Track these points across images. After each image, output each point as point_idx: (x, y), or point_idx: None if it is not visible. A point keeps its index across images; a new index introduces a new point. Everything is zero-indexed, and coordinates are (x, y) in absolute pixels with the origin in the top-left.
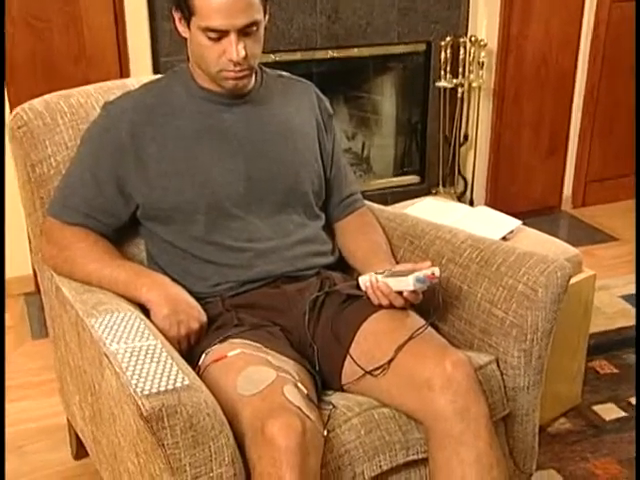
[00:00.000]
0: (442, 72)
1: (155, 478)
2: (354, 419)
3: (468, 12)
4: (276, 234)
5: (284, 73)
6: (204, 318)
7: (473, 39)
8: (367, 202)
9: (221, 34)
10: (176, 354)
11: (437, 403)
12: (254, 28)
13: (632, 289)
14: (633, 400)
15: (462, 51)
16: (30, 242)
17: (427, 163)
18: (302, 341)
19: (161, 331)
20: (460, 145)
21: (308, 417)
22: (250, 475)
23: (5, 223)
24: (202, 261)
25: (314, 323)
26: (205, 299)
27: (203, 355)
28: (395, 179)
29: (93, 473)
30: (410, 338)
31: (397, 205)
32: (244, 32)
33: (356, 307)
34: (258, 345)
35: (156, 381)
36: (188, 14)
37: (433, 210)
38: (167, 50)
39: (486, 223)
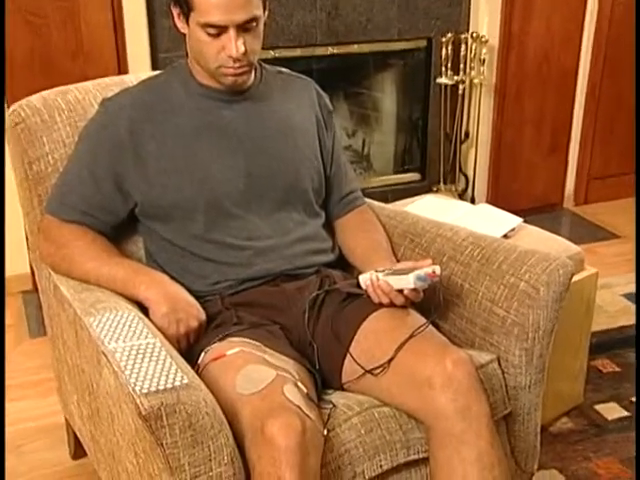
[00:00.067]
0: (443, 69)
1: (154, 478)
2: (354, 418)
3: (469, 8)
4: (276, 232)
5: (284, 69)
6: (203, 316)
7: (474, 35)
8: (367, 200)
9: (220, 30)
10: (175, 353)
11: (438, 402)
12: (253, 24)
13: (634, 287)
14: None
15: (463, 47)
16: (28, 240)
17: (428, 160)
18: (302, 340)
19: (160, 329)
20: (461, 142)
21: (308, 416)
22: (249, 475)
23: (5, 222)
24: (201, 259)
25: (314, 322)
26: (204, 297)
27: (202, 354)
28: (395, 176)
29: (91, 473)
30: (411, 337)
31: (398, 203)
32: (243, 28)
33: (356, 306)
34: (257, 344)
35: (155, 380)
36: (187, 10)
37: (434, 208)
38: (166, 46)
39: (487, 221)
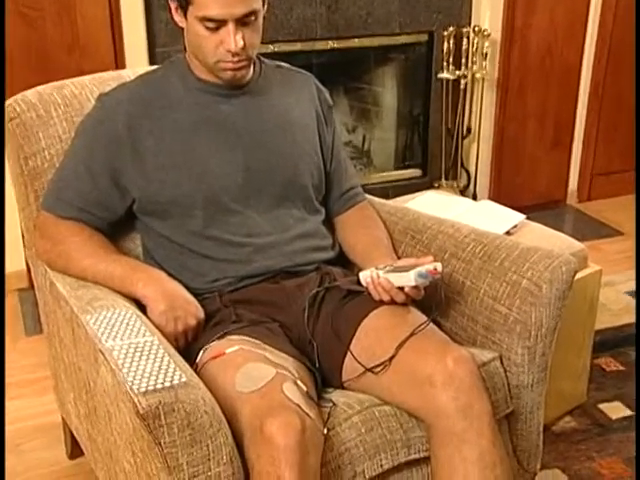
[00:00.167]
0: (445, 63)
1: (152, 477)
2: (354, 417)
3: (471, 1)
4: (275, 229)
5: (283, 64)
6: (201, 314)
7: (476, 29)
8: (368, 196)
9: (219, 24)
10: (173, 351)
11: (439, 400)
12: (252, 18)
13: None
14: None
15: (465, 42)
16: (24, 237)
17: (429, 156)
18: (302, 338)
19: (158, 327)
20: (463, 138)
21: (308, 415)
22: (249, 474)
23: (5, 221)
24: (200, 256)
25: (314, 319)
26: (202, 295)
27: (201, 352)
28: (396, 172)
29: (88, 472)
30: (411, 334)
31: (398, 199)
32: (242, 22)
33: (357, 303)
34: (257, 342)
35: (153, 378)
36: (185, 3)
37: (435, 204)
38: (163, 40)
39: (489, 217)
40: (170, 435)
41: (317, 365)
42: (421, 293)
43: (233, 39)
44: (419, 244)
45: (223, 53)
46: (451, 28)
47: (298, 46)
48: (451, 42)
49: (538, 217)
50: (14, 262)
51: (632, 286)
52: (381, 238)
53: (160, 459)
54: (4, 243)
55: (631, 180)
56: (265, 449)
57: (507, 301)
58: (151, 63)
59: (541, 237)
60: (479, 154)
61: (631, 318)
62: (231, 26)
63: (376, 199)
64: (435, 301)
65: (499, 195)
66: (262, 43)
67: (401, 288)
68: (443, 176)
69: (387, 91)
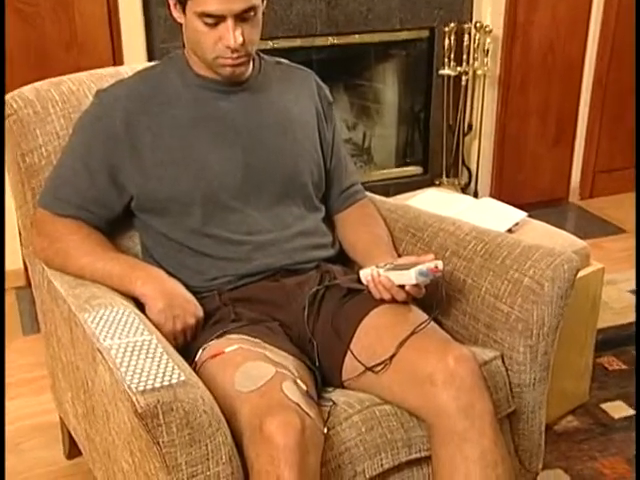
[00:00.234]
0: (446, 59)
1: (150, 477)
2: (355, 416)
3: None
4: (275, 226)
5: (283, 60)
6: (201, 313)
7: (478, 25)
8: (368, 193)
9: (218, 19)
10: (172, 349)
11: (440, 399)
12: (252, 13)
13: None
14: None
15: (466, 38)
16: (21, 235)
17: (430, 153)
18: (301, 336)
19: (156, 326)
20: (464, 135)
21: (307, 414)
22: (248, 473)
23: (5, 219)
24: (199, 254)
25: (314, 318)
26: (201, 293)
27: (200, 351)
28: (397, 170)
29: (86, 472)
30: (412, 333)
31: (399, 197)
32: (241, 17)
33: (357, 301)
34: (256, 340)
35: (151, 377)
36: None
37: (436, 202)
38: (162, 36)
39: (491, 215)
40: (169, 434)
41: (317, 364)
42: (422, 291)
43: (232, 35)
44: (420, 242)
45: (222, 49)
46: (452, 24)
47: (298, 42)
48: (452, 38)
49: (540, 215)
50: (11, 260)
51: (634, 284)
52: (381, 236)
53: (158, 458)
54: (4, 242)
55: (634, 177)
56: (264, 448)
57: (509, 299)
58: (149, 59)
59: (543, 235)
60: (480, 151)
61: (633, 317)
62: (230, 22)
63: (377, 197)
64: (436, 299)
65: (501, 192)
66: (261, 39)
67: (402, 286)
68: (444, 173)
69: (388, 88)
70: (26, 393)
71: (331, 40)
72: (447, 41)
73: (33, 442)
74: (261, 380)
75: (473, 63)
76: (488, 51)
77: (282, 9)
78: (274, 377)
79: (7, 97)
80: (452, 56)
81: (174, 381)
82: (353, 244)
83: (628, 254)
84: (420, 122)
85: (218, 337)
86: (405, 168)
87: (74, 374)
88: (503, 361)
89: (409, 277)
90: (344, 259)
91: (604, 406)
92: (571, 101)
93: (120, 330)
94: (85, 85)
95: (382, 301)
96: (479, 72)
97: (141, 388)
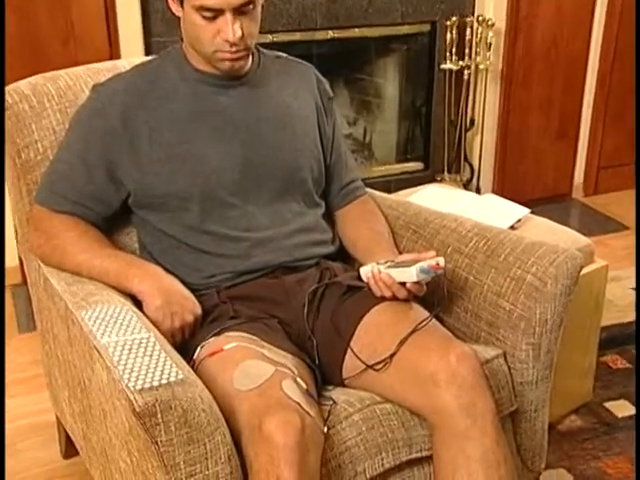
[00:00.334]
0: (447, 54)
1: (148, 477)
2: (355, 415)
3: None
4: (274, 223)
5: (282, 54)
6: (199, 310)
7: (480, 19)
8: (369, 190)
9: (216, 13)
10: (170, 347)
11: (442, 398)
12: (250, 6)
13: None
14: None
15: (468, 31)
16: (16, 232)
17: (431, 149)
18: (301, 334)
19: (154, 323)
20: (466, 130)
21: (307, 413)
22: (247, 473)
23: (5, 218)
24: (197, 251)
25: (314, 315)
26: (200, 291)
27: (198, 349)
28: (398, 166)
29: (83, 472)
30: (413, 331)
31: (400, 193)
32: (240, 11)
33: (357, 299)
34: (255, 338)
35: (149, 375)
36: None
37: (438, 198)
38: (159, 30)
39: (493, 211)
40: (167, 433)
41: (317, 362)
42: (423, 289)
43: (231, 28)
44: (421, 239)
45: (221, 43)
46: (454, 18)
47: (297, 36)
48: (454, 32)
49: (543, 211)
50: (7, 257)
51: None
52: (382, 233)
53: (156, 458)
54: (4, 240)
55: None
56: (264, 448)
57: (511, 297)
58: (147, 53)
59: (546, 232)
60: (483, 147)
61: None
62: (229, 15)
63: (377, 193)
64: (437, 297)
65: (503, 189)
66: (260, 33)
67: (403, 284)
68: (446, 169)
69: (389, 82)
70: (22, 392)
71: (331, 34)
72: (449, 35)
73: (29, 442)
74: (260, 378)
75: (475, 57)
76: (490, 45)
77: (281, 2)
78: (273, 375)
79: None
80: (454, 50)
81: (172, 379)
82: (353, 241)
83: (632, 251)
84: (421, 117)
85: (216, 335)
86: (406, 164)
87: (71, 372)
88: (505, 359)
89: (410, 274)
90: (344, 256)
91: (608, 405)
92: (574, 96)
93: (117, 328)
94: (82, 79)
95: (383, 299)
96: (481, 66)
97: (139, 387)
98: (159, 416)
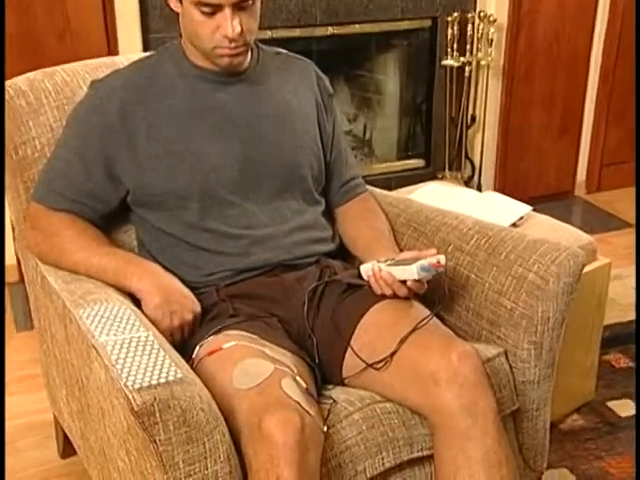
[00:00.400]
0: (449, 50)
1: (146, 476)
2: (355, 414)
3: None
4: (273, 220)
5: (282, 50)
6: (198, 309)
7: (482, 14)
8: (369, 187)
9: (215, 9)
10: (168, 346)
11: (443, 398)
12: (250, 2)
13: None
14: None
15: (470, 27)
16: (13, 230)
17: (432, 146)
18: (301, 333)
19: (153, 322)
20: (467, 127)
21: (307, 412)
22: (246, 472)
23: (5, 215)
24: (196, 249)
25: (313, 314)
26: (199, 289)
27: (197, 347)
28: (399, 163)
29: (81, 472)
30: (414, 329)
31: (401, 190)
32: (239, 6)
33: (357, 297)
34: (255, 337)
35: (147, 374)
36: None
37: (439, 195)
38: (158, 26)
39: (495, 209)
40: (165, 432)
41: (317, 361)
42: (424, 287)
43: (230, 24)
44: (422, 236)
45: (220, 39)
46: (455, 13)
47: (297, 32)
48: (455, 28)
49: (545, 209)
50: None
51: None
52: (383, 230)
53: (155, 457)
54: (4, 239)
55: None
56: (263, 447)
57: (513, 295)
58: (145, 49)
59: (548, 229)
60: (484, 144)
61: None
62: (228, 11)
63: (378, 190)
64: (438, 295)
65: (504, 186)
66: (259, 29)
67: (403, 282)
68: (447, 166)
69: (389, 79)
70: (19, 391)
71: (331, 30)
72: (450, 31)
73: (27, 441)
74: (260, 377)
75: (477, 53)
76: (492, 41)
77: None
78: (273, 374)
79: None
80: (455, 46)
81: (171, 378)
82: (354, 239)
83: (634, 250)
84: (422, 114)
85: (215, 333)
86: (407, 161)
87: (68, 371)
88: (507, 358)
89: (411, 272)
90: (344, 254)
91: (610, 404)
92: (577, 92)
93: (116, 326)
94: (79, 76)
95: (383, 297)
96: (483, 62)
97: (137, 385)
98: (157, 415)
